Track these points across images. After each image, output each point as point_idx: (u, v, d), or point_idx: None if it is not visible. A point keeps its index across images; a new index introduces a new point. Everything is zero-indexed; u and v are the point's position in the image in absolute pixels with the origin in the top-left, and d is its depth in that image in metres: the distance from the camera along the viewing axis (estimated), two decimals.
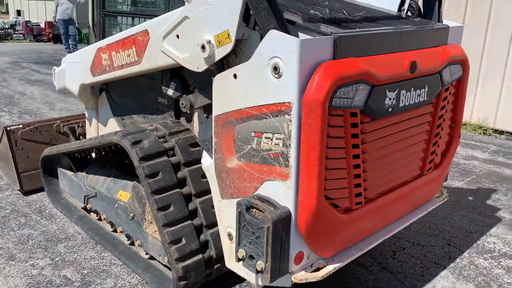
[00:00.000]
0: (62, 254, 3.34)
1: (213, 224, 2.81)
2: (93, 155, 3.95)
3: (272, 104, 2.11)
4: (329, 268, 2.35)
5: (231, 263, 2.63)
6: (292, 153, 2.09)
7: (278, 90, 2.07)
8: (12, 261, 3.24)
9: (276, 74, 2.05)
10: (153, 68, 2.93)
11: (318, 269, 2.39)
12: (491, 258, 3.37)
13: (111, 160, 3.66)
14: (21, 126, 4.38)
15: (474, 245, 3.54)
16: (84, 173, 3.70)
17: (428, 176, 2.90)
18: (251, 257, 2.25)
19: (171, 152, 2.85)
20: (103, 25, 3.74)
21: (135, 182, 3.21)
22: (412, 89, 2.50)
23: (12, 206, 4.10)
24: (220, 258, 2.79)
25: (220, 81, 2.38)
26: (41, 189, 4.39)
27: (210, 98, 2.72)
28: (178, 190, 2.76)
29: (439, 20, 3.03)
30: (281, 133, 2.10)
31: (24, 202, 4.19)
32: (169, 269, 2.97)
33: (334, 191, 2.24)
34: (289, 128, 2.06)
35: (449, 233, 3.70)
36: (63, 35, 15.43)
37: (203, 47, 2.38)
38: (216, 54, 2.37)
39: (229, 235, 2.58)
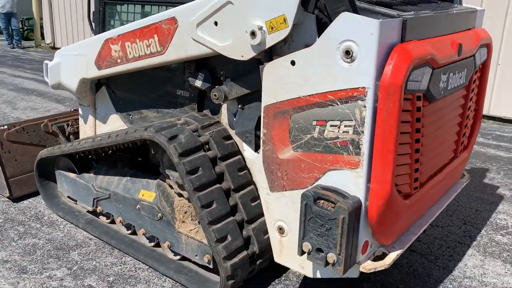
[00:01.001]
0: (78, 262, 3.10)
1: (253, 219, 2.71)
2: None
3: (341, 90, 2.03)
4: (393, 255, 2.32)
5: (282, 258, 2.55)
6: (365, 140, 2.03)
7: (350, 75, 1.99)
8: (24, 274, 2.97)
9: (347, 58, 1.98)
10: (180, 59, 2.75)
11: (378, 258, 2.36)
12: (507, 234, 3.50)
13: (121, 159, 3.44)
14: (6, 127, 4.01)
15: (488, 222, 3.66)
16: (91, 174, 3.45)
17: (459, 158, 2.95)
18: (319, 250, 2.17)
19: (206, 146, 2.70)
20: (103, 15, 3.48)
21: (158, 180, 3.04)
22: (457, 71, 2.52)
23: (4, 215, 3.76)
24: (262, 253, 2.70)
25: (273, 69, 2.27)
26: (31, 195, 4.07)
27: (248, 88, 2.63)
28: (218, 185, 2.63)
29: (460, 3, 3.07)
30: (352, 120, 2.03)
31: (17, 210, 3.86)
32: (206, 269, 2.84)
33: (400, 177, 2.21)
34: (362, 114, 2.00)
35: (462, 213, 3.81)
36: (4, 30, 14.41)
37: (252, 34, 2.26)
38: (267, 40, 2.26)
39: (280, 228, 2.49)
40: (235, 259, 2.56)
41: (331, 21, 2.05)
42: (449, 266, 3.08)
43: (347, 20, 1.95)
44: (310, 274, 2.44)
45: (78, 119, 4.38)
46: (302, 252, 2.25)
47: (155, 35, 2.81)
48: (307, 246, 2.21)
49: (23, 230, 3.52)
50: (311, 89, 2.13)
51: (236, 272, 2.56)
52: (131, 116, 3.53)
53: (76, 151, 3.31)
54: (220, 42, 2.48)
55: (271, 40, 2.25)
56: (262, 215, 2.76)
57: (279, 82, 2.25)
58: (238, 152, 2.81)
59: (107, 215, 3.43)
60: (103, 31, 3.51)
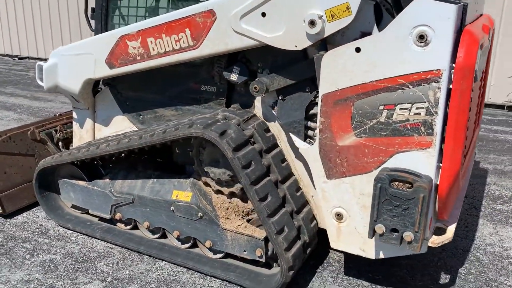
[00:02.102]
0: (110, 273, 2.92)
1: (300, 208, 2.74)
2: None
3: (413, 73, 2.11)
4: (452, 228, 2.46)
5: (339, 243, 2.60)
6: (438, 121, 2.12)
7: (424, 59, 2.07)
8: None
9: (421, 42, 2.05)
10: (217, 53, 2.69)
11: (436, 232, 2.48)
12: (505, 203, 3.82)
13: (141, 161, 3.28)
14: None
15: (485, 194, 3.97)
16: (107, 180, 3.25)
17: (475, 134, 3.17)
18: (394, 230, 2.25)
19: (251, 139, 2.67)
20: (106, 10, 3.28)
21: (192, 179, 2.95)
22: (483, 54, 2.70)
23: (2, 233, 3.43)
24: (311, 242, 2.74)
25: (334, 57, 2.29)
26: (22, 209, 3.76)
27: (292, 78, 2.64)
28: (268, 178, 2.62)
29: None
30: (425, 102, 2.12)
31: (14, 226, 3.54)
32: (253, 264, 2.81)
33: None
34: (436, 95, 2.09)
35: None
36: None
37: (312, 23, 2.27)
38: (326, 29, 2.28)
39: (338, 215, 2.53)
40: (294, 249, 2.58)
41: (397, 7, 2.12)
42: (469, 236, 3.31)
43: (422, 6, 2.03)
44: (372, 256, 2.51)
45: (65, 124, 4.14)
46: (373, 234, 2.31)
47: (187, 29, 2.71)
48: (380, 227, 2.27)
49: (31, 247, 3.24)
50: (379, 74, 2.19)
51: (295, 262, 2.57)
52: (141, 116, 3.38)
53: (94, 156, 3.10)
54: (269, 33, 2.46)
55: (331, 28, 2.27)
56: (306, 204, 2.81)
57: (341, 70, 2.28)
58: (277, 143, 2.81)
59: (127, 222, 3.27)
60: (106, 28, 3.33)
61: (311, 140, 2.67)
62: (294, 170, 2.82)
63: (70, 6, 10.92)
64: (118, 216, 3.23)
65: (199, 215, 2.85)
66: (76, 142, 3.83)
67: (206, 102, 3.07)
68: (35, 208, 3.82)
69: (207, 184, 2.91)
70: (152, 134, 2.78)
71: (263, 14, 2.44)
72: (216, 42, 2.65)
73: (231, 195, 2.85)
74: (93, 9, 3.44)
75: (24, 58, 12.34)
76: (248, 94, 2.91)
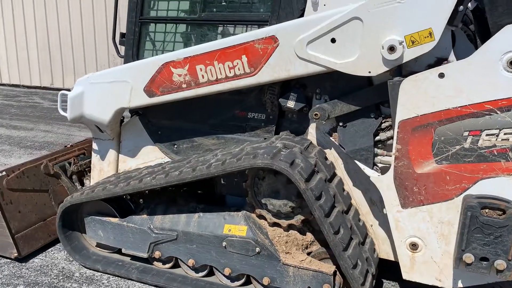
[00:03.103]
0: None
1: (365, 239, 2.65)
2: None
3: (503, 99, 2.09)
4: None
5: (413, 274, 2.51)
6: None
7: None
8: None
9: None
10: (278, 79, 2.60)
11: None
12: None
13: (181, 195, 3.08)
14: (4, 173, 3.34)
15: None
16: (144, 216, 3.02)
17: None
18: (483, 259, 2.18)
19: (315, 168, 2.56)
20: (138, 36, 3.11)
21: (245, 212, 2.79)
22: None
23: (21, 279, 3.11)
24: (376, 274, 2.64)
25: (415, 83, 2.24)
26: (36, 251, 3.44)
27: (356, 104, 2.58)
28: (337, 209, 2.51)
29: None
30: None
31: (33, 270, 3.22)
32: None
33: None
34: None
35: None
36: None
37: (391, 49, 2.22)
38: (405, 55, 2.24)
39: (413, 245, 2.45)
40: (367, 284, 2.47)
41: (481, 34, 2.11)
42: None
43: None
44: (449, 286, 2.43)
45: (78, 156, 3.87)
46: (460, 264, 2.24)
47: (243, 56, 2.60)
48: (469, 257, 2.20)
49: None
50: (464, 100, 2.16)
51: None
52: (176, 146, 3.20)
53: (136, 191, 2.88)
54: (339, 59, 2.39)
55: (411, 54, 2.23)
56: (367, 234, 2.72)
57: (423, 96, 2.24)
58: (336, 172, 2.72)
59: (166, 260, 3.04)
60: (138, 54, 3.15)
61: (377, 167, 2.59)
62: (353, 199, 2.74)
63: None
64: (157, 254, 3.00)
65: (256, 251, 2.68)
66: (95, 175, 3.58)
67: (253, 130, 2.94)
68: (50, 249, 3.51)
69: (261, 217, 2.76)
70: (208, 166, 2.61)
71: (333, 40, 2.38)
72: (277, 69, 2.55)
73: (289, 227, 2.71)
74: (122, 35, 3.26)
75: None
76: (300, 120, 2.83)
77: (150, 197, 3.14)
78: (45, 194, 3.60)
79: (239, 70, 2.64)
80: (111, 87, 3.04)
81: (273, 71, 2.56)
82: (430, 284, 2.49)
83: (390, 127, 2.53)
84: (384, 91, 2.46)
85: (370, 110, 2.55)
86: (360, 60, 2.34)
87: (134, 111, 3.29)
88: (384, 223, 2.71)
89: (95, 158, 3.53)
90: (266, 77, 2.59)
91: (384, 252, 2.75)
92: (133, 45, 3.13)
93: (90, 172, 3.87)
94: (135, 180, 2.87)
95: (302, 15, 2.61)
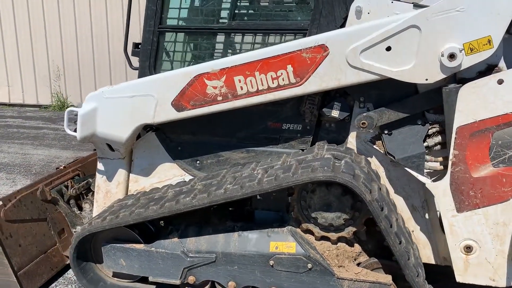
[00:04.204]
0: None
1: (415, 247, 2.65)
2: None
3: None
4: None
5: (466, 276, 2.55)
6: None
7: None
8: None
9: None
10: (326, 88, 2.54)
11: None
12: None
13: (215, 213, 2.90)
14: (1, 203, 2.95)
15: None
16: (175, 239, 2.80)
17: None
18: None
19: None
20: (156, 46, 2.89)
21: (290, 227, 2.68)
22: None
23: None
24: None
25: (474, 89, 2.29)
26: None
27: (405, 112, 2.58)
28: (395, 218, 2.49)
29: None
30: None
31: None
32: None
33: None
34: None
35: None
36: None
37: (451, 56, 2.25)
38: (463, 62, 2.28)
39: (468, 247, 2.49)
40: None
41: None
42: None
43: None
44: (503, 285, 2.50)
45: (74, 178, 3.54)
46: None
47: (289, 66, 2.51)
48: None
49: None
50: None
51: None
52: (198, 161, 3.02)
53: (173, 213, 2.65)
54: (394, 67, 2.38)
55: (469, 61, 2.28)
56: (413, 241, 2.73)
57: (481, 102, 2.29)
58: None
59: (200, 285, 2.84)
60: (155, 66, 2.94)
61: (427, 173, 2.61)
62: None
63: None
64: (191, 279, 2.79)
65: (308, 267, 2.59)
66: (99, 199, 3.27)
67: (287, 142, 2.85)
68: (54, 284, 3.16)
69: (307, 231, 2.67)
70: (259, 182, 2.47)
71: (388, 48, 2.37)
72: (325, 78, 2.49)
73: (338, 240, 2.65)
74: (136, 45, 3.02)
75: None
76: (338, 130, 2.79)
77: (177, 219, 2.92)
78: (44, 223, 3.24)
79: (283, 80, 2.54)
80: (132, 102, 2.80)
81: (321, 80, 2.49)
82: (484, 284, 2.54)
83: (437, 133, 2.56)
84: (432, 98, 2.49)
85: (417, 117, 2.56)
86: (417, 67, 2.34)
87: (149, 127, 3.06)
88: (426, 228, 2.74)
89: (100, 179, 3.23)
90: (313, 87, 2.52)
91: (425, 256, 2.78)
92: (150, 56, 2.91)
93: (87, 195, 3.55)
94: (170, 202, 2.66)
95: (344, 24, 2.58)
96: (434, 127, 2.56)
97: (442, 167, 2.56)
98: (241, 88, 2.61)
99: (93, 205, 3.39)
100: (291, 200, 2.64)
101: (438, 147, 2.56)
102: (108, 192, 3.24)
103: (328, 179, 2.34)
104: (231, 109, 2.68)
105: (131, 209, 2.77)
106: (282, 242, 2.65)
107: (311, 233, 2.66)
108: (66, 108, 9.36)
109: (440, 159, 2.56)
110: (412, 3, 2.48)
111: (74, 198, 3.45)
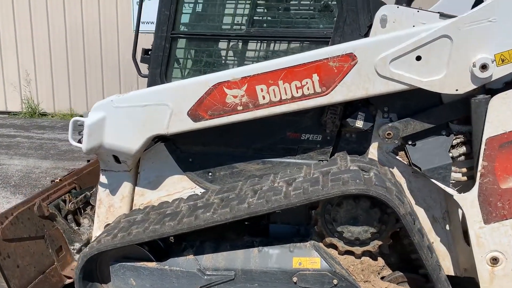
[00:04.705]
0: None
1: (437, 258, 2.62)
2: None
3: None
4: None
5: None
6: None
7: None
8: None
9: None
10: (353, 98, 2.48)
11: None
12: None
13: (231, 228, 2.77)
14: None
15: None
16: (190, 257, 2.66)
17: None
18: None
19: None
20: (168, 52, 2.75)
21: (313, 242, 2.59)
22: None
23: None
24: None
25: (505, 100, 2.29)
26: None
27: (430, 122, 2.55)
28: (423, 231, 2.45)
29: None
30: None
31: None
32: None
33: None
34: None
35: None
36: None
37: (483, 67, 2.23)
38: (494, 73, 2.26)
39: (494, 259, 2.48)
40: None
41: None
42: None
43: None
44: None
45: (71, 191, 3.33)
46: None
47: (314, 75, 2.43)
48: None
49: None
50: None
51: None
52: (210, 173, 2.89)
53: (192, 230, 2.51)
54: (424, 77, 2.35)
55: (500, 72, 2.27)
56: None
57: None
58: None
59: None
60: (166, 73, 2.80)
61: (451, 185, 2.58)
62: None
63: None
64: None
65: (334, 283, 2.50)
66: (101, 213, 3.09)
67: (305, 152, 2.77)
68: None
69: (330, 245, 2.59)
70: (286, 196, 2.37)
71: (418, 58, 2.33)
72: (352, 88, 2.43)
73: (362, 254, 2.58)
74: (146, 51, 2.87)
75: None
76: (359, 140, 2.73)
77: (191, 235, 2.77)
78: (41, 240, 3.01)
79: (308, 90, 2.46)
80: (144, 112, 2.64)
81: (348, 90, 2.43)
82: None
83: (461, 143, 2.54)
84: (457, 108, 2.47)
85: (441, 128, 2.54)
86: (448, 78, 2.31)
87: (158, 137, 2.90)
88: (446, 240, 2.72)
89: (103, 193, 3.04)
90: (339, 97, 2.45)
91: (445, 267, 2.75)
92: (161, 63, 2.76)
93: (85, 209, 3.35)
94: (189, 218, 2.51)
95: (368, 32, 2.52)
96: (459, 138, 2.54)
97: (465, 178, 2.54)
98: (263, 97, 2.51)
99: (92, 220, 3.20)
100: (314, 214, 2.56)
101: (462, 158, 2.54)
102: (111, 206, 3.05)
103: (361, 192, 2.27)
104: (251, 119, 2.57)
105: (144, 225, 2.61)
106: (306, 258, 2.55)
107: (334, 247, 2.58)
108: (37, 115, 9.14)
109: (464, 170, 2.54)
110: (438, 12, 2.46)
111: (72, 213, 3.24)
